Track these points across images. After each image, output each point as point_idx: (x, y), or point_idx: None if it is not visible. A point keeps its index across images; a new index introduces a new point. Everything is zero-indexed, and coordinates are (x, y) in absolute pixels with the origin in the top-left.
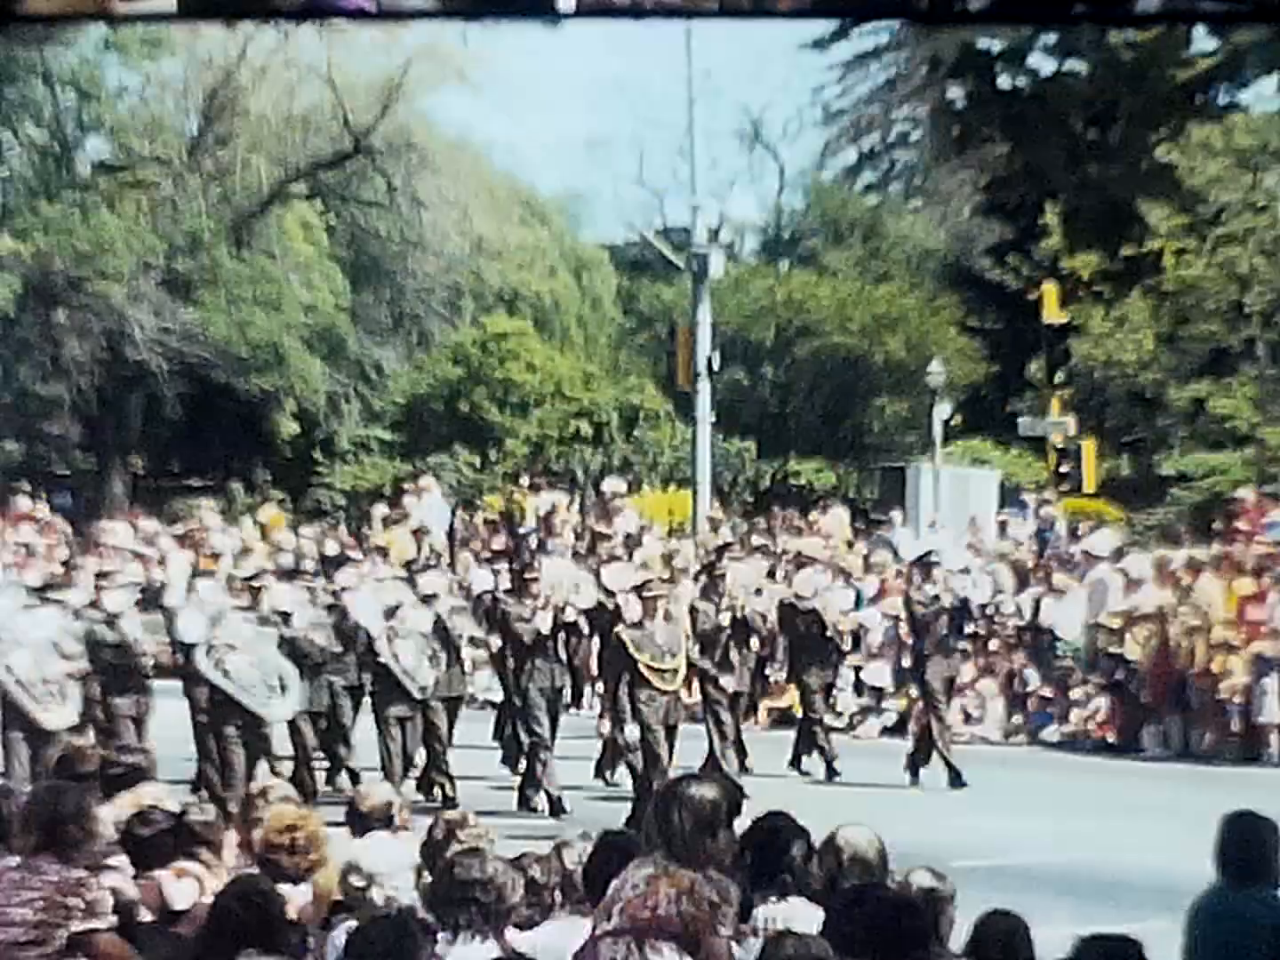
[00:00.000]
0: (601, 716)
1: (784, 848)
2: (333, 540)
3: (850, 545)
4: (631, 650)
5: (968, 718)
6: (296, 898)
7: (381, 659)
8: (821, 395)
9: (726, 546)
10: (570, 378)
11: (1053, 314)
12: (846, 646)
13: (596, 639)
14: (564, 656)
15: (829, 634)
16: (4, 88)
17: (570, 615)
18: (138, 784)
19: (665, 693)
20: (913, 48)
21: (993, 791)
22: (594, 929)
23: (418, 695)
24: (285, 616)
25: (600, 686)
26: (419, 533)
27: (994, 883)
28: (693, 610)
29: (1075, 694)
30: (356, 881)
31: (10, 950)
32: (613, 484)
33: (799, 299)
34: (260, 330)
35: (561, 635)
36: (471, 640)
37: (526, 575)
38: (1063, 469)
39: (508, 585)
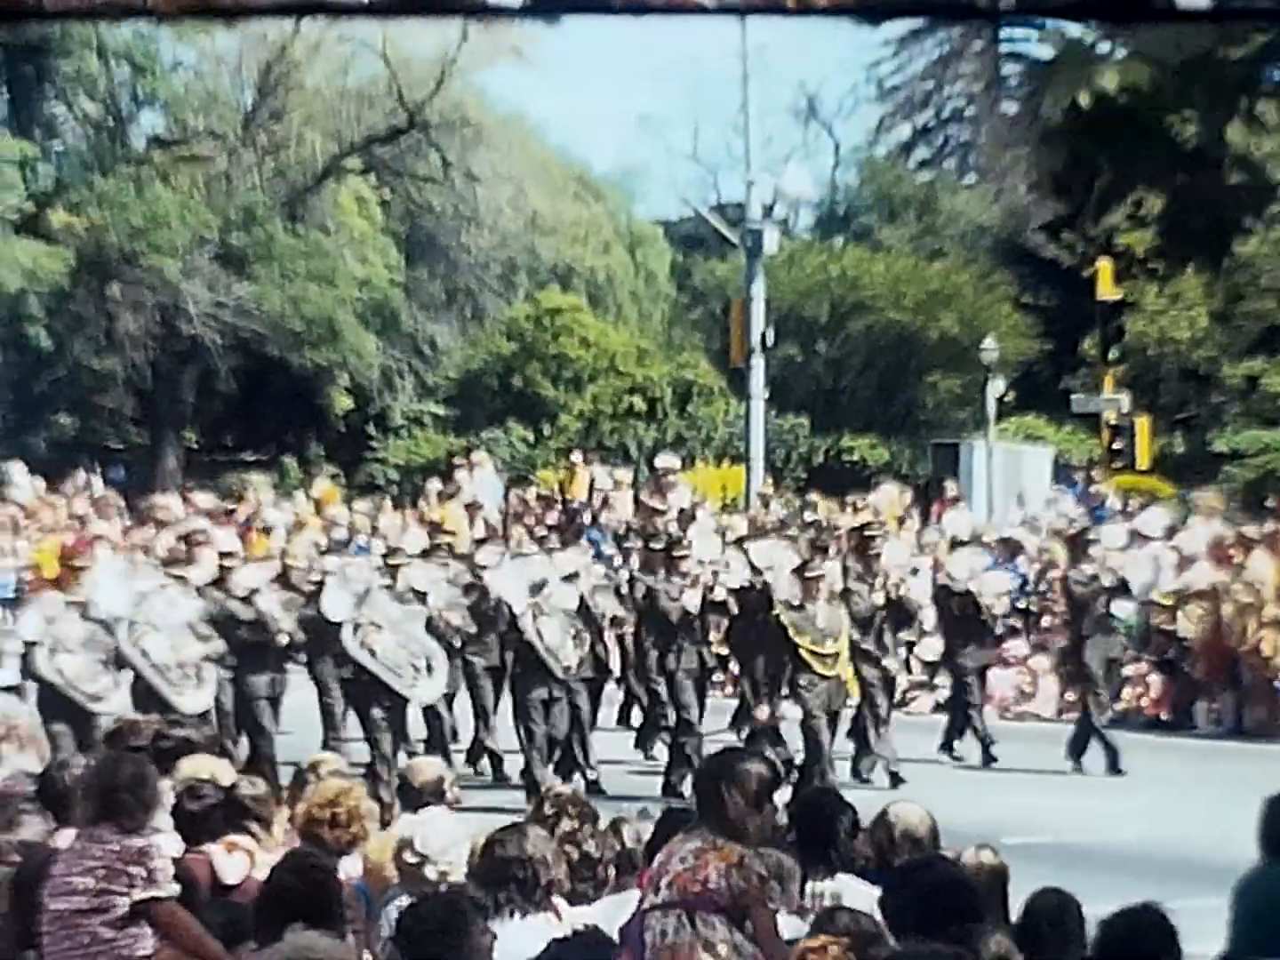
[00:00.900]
0: (759, 702)
1: (830, 823)
2: (480, 521)
3: (901, 522)
4: (792, 633)
5: (1021, 694)
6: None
7: (526, 637)
8: (875, 371)
9: (868, 526)
10: (624, 353)
11: (1107, 291)
12: (1000, 630)
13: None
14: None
15: (984, 617)
16: (59, 62)
17: (720, 595)
18: (190, 756)
19: (826, 678)
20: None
21: (1045, 768)
22: (641, 902)
23: (561, 675)
24: (421, 596)
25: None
26: (472, 508)
27: (1045, 859)
28: (846, 592)
29: (1127, 671)
30: (410, 858)
31: (74, 918)
32: (666, 459)
33: (853, 275)
34: (314, 305)
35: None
36: (613, 620)
37: (675, 552)
38: (1116, 446)
39: (640, 562)
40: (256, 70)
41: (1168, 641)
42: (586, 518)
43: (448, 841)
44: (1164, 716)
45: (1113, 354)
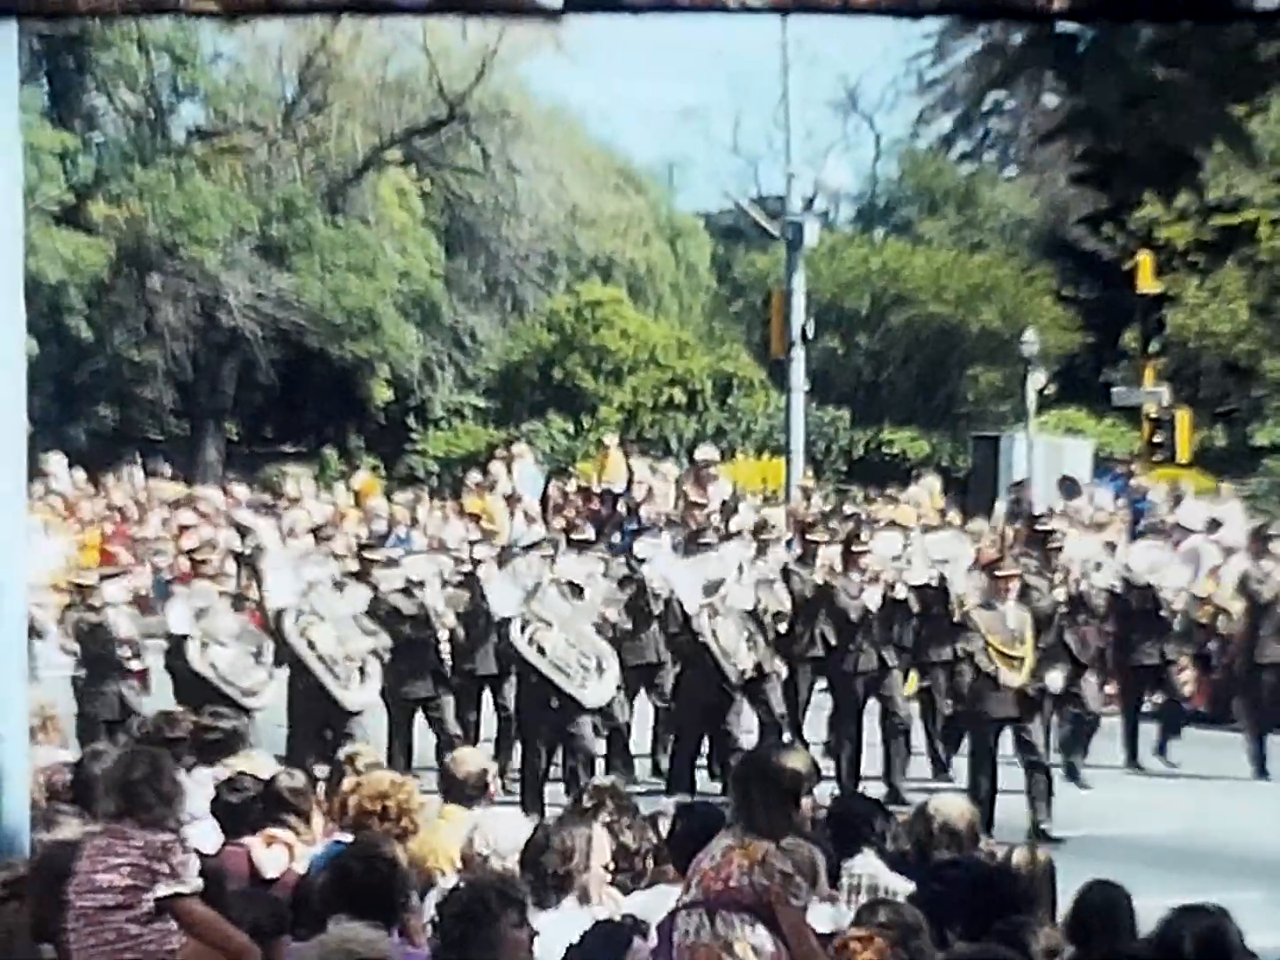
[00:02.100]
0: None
1: (861, 825)
2: (520, 513)
3: (943, 514)
4: (984, 634)
5: None
6: None
7: (701, 639)
8: (915, 364)
9: (1041, 518)
10: (664, 345)
11: (1147, 284)
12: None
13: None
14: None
15: (1162, 612)
16: (99, 54)
17: (900, 592)
18: (235, 750)
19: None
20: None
21: (1086, 762)
22: (678, 901)
23: (735, 680)
24: (577, 589)
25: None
26: (511, 499)
27: (1089, 853)
28: (1026, 588)
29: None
30: (476, 854)
31: (99, 914)
32: (706, 452)
33: (894, 267)
34: (354, 296)
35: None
36: (776, 616)
37: (854, 547)
38: (1156, 439)
39: (800, 554)
40: (297, 62)
41: (1207, 635)
42: (623, 509)
43: (517, 841)
44: (1204, 709)
45: (1153, 347)
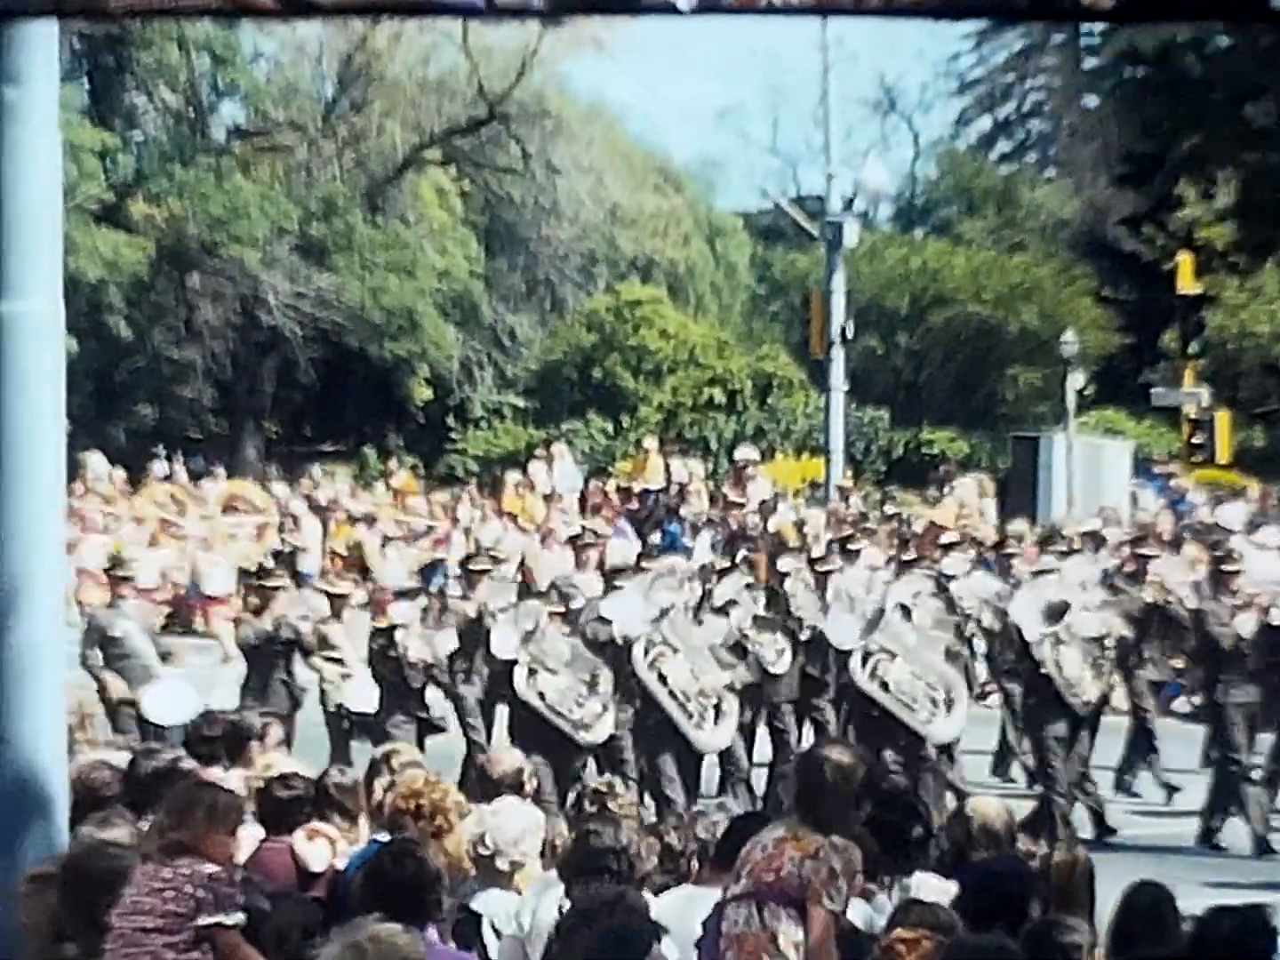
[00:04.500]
0: None
1: (900, 827)
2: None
3: (983, 515)
4: None
5: None
6: None
7: (1044, 670)
8: (955, 364)
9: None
10: (704, 345)
11: (1187, 285)
12: None
13: None
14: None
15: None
16: (140, 53)
17: (1277, 618)
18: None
19: None
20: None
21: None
22: (725, 891)
23: (1081, 712)
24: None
25: None
26: (550, 499)
27: (1130, 854)
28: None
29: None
30: (482, 850)
31: (135, 935)
32: (746, 452)
33: (933, 268)
34: (394, 296)
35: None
36: (1119, 642)
37: (1225, 567)
38: (1196, 440)
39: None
40: (337, 61)
41: None
42: (663, 510)
43: (519, 832)
44: None
45: (1193, 348)
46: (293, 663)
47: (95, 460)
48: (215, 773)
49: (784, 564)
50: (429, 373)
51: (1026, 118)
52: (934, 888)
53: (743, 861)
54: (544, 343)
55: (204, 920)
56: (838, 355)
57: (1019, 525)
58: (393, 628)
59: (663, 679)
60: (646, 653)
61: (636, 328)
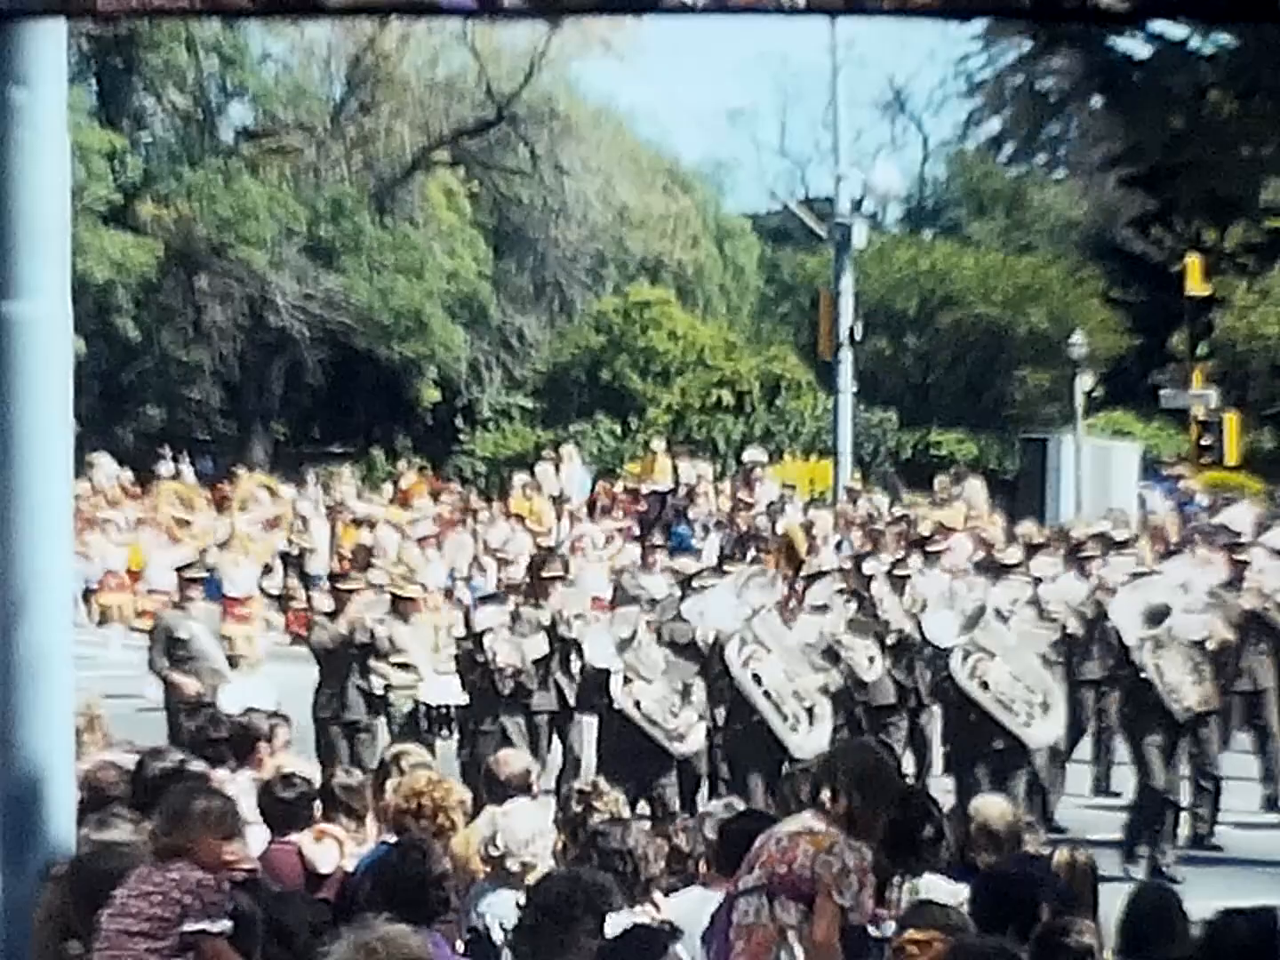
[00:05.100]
0: None
1: (916, 825)
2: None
3: (993, 517)
4: None
5: None
6: None
7: (1144, 674)
8: (964, 366)
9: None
10: (712, 346)
11: (1196, 286)
12: None
13: None
14: None
15: None
16: (148, 54)
17: None
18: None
19: None
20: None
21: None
22: (735, 883)
23: (1181, 719)
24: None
25: None
26: (558, 500)
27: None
28: None
29: None
30: (493, 851)
31: (120, 938)
32: (754, 453)
33: (942, 269)
34: (402, 297)
35: None
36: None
37: None
38: (1205, 442)
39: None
40: (345, 63)
41: None
42: (671, 511)
43: (530, 833)
44: None
45: (1201, 349)
46: (368, 667)
47: (104, 461)
48: (222, 774)
49: (869, 567)
50: (437, 374)
51: (1036, 119)
52: (945, 890)
53: (755, 853)
54: (552, 344)
55: (189, 927)
56: (846, 357)
57: (1027, 527)
58: (481, 633)
59: (757, 679)
60: (740, 652)
61: (645, 329)
